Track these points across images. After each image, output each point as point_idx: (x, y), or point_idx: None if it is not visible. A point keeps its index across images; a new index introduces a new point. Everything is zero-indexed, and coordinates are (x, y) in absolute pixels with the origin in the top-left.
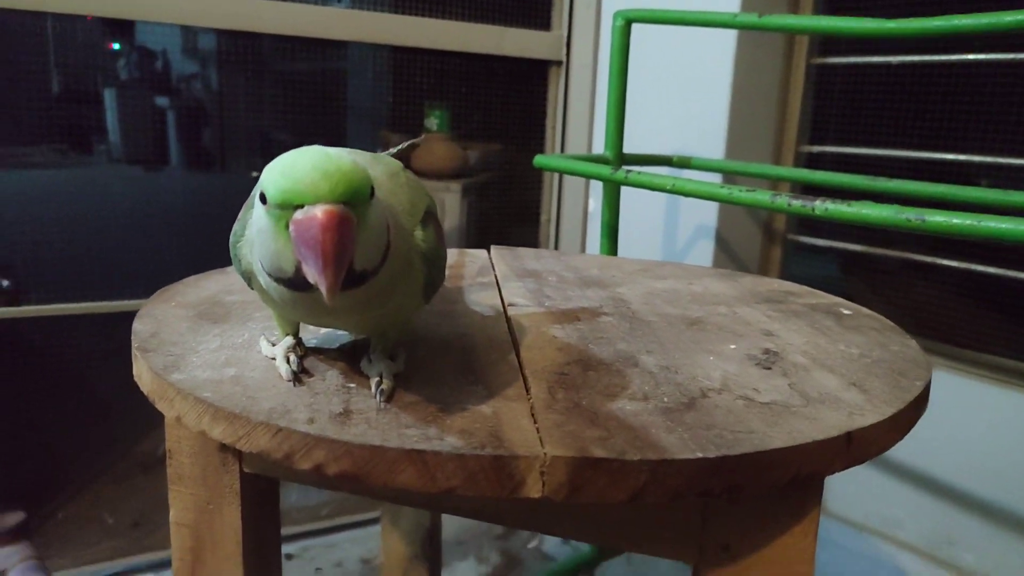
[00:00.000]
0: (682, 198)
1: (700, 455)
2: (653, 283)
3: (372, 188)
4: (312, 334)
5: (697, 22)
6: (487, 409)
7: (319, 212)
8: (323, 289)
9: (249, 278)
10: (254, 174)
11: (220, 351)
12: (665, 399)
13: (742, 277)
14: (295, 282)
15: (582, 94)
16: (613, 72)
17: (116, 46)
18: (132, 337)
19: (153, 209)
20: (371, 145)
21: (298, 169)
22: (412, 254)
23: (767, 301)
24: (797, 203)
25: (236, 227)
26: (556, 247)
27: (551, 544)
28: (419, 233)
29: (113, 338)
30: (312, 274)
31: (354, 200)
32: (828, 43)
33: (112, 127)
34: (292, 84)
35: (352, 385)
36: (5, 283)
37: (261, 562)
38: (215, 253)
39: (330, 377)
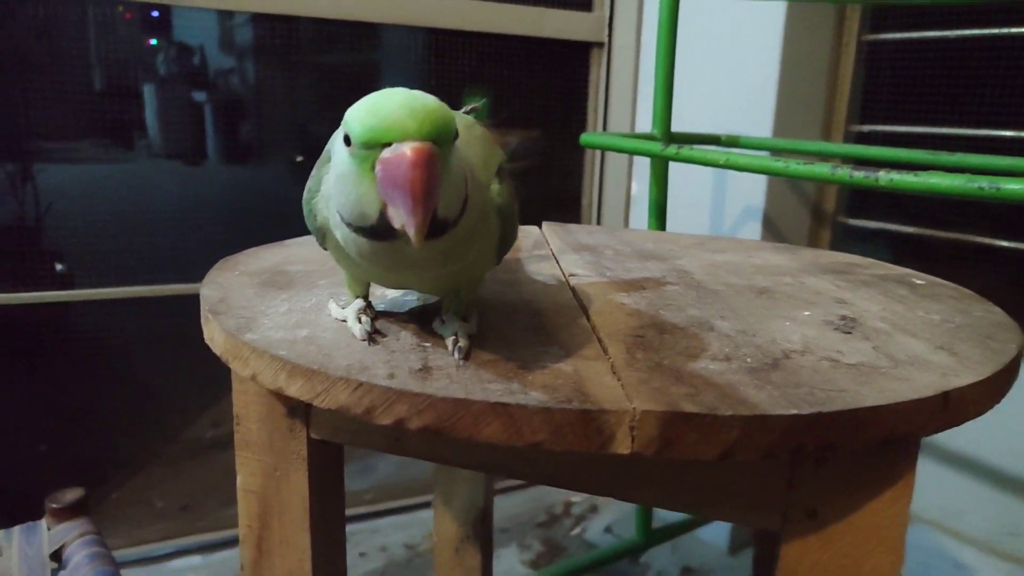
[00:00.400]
0: (729, 178)
1: (794, 411)
2: (712, 256)
3: (456, 130)
4: (379, 300)
5: None
6: (567, 367)
7: (408, 149)
8: (411, 231)
9: (323, 235)
10: (299, 159)
11: (290, 314)
12: (748, 360)
13: (801, 250)
14: (378, 230)
15: (624, 76)
16: (660, 47)
17: (154, 41)
18: (201, 302)
19: (192, 201)
20: None
21: (385, 107)
22: (488, 208)
23: (832, 272)
24: (859, 174)
25: (310, 184)
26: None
27: (594, 532)
28: (495, 187)
29: (160, 325)
30: (399, 216)
31: (440, 139)
32: (879, 18)
33: (152, 122)
34: (328, 74)
35: (427, 344)
36: (60, 267)
37: (327, 529)
38: (252, 242)
39: (404, 337)
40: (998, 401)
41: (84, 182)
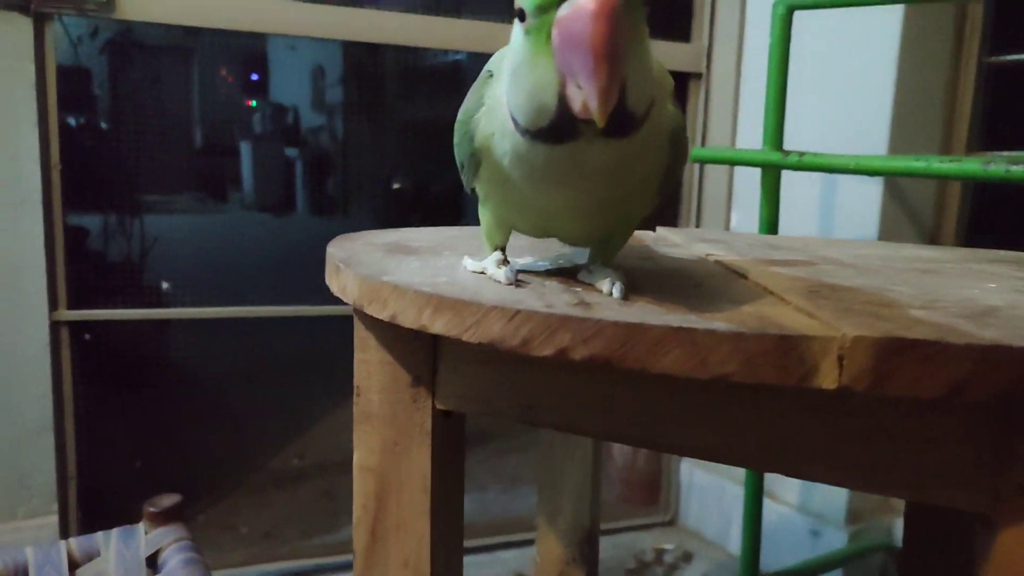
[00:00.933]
0: (838, 202)
1: None
2: (854, 249)
3: (647, 2)
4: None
5: (868, 1)
6: (748, 308)
7: (589, 2)
8: (593, 104)
9: (477, 163)
10: (396, 185)
11: (424, 269)
12: (952, 309)
13: (952, 248)
14: (557, 125)
15: (724, 105)
16: (772, 63)
17: (253, 103)
18: (328, 260)
19: (281, 249)
20: None
21: None
22: (660, 128)
23: (998, 261)
24: (1018, 168)
25: (467, 105)
26: None
27: None
28: (670, 107)
29: (253, 351)
30: (580, 95)
31: None
32: (1000, 39)
33: (246, 177)
34: (413, 129)
35: (577, 289)
36: (166, 285)
37: (447, 514)
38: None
39: (550, 285)
40: None
41: (185, 229)
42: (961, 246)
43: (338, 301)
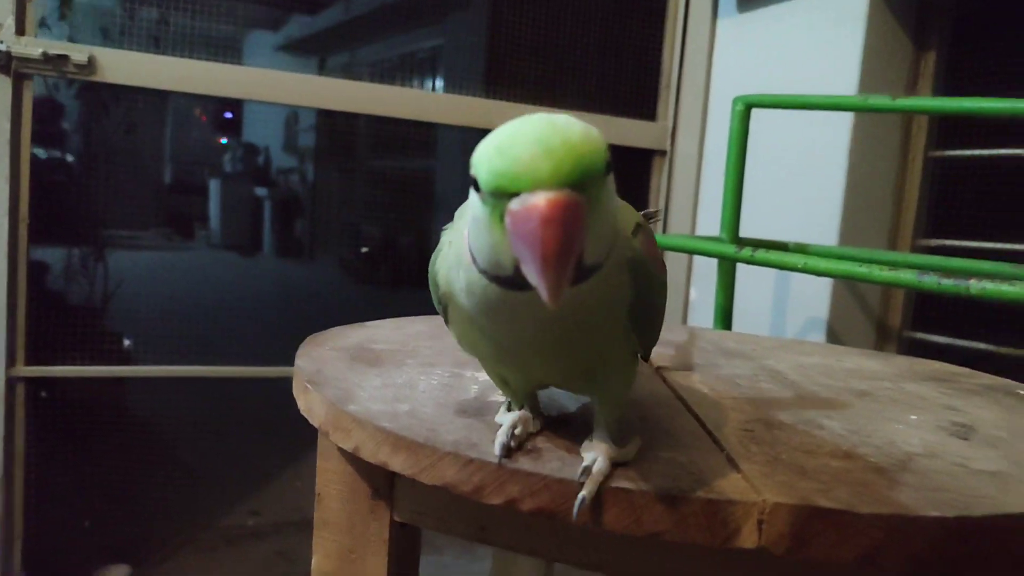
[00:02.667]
0: (792, 287)
1: (940, 514)
2: (800, 357)
3: (609, 161)
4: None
5: (821, 106)
6: (682, 458)
7: (541, 202)
8: (543, 294)
9: (445, 308)
10: (364, 249)
11: (385, 388)
12: (871, 459)
13: (893, 357)
14: (512, 279)
15: (687, 184)
16: (731, 156)
17: (224, 141)
18: (296, 374)
19: (247, 291)
20: None
21: (517, 146)
22: (621, 263)
23: (933, 379)
24: (949, 282)
25: (433, 255)
26: None
27: None
28: (632, 243)
29: (206, 408)
30: (532, 276)
31: (586, 180)
32: (945, 135)
33: (214, 215)
34: (383, 176)
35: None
36: (127, 342)
37: None
38: (301, 330)
39: (547, 456)
40: None
41: (149, 268)
42: (907, 331)
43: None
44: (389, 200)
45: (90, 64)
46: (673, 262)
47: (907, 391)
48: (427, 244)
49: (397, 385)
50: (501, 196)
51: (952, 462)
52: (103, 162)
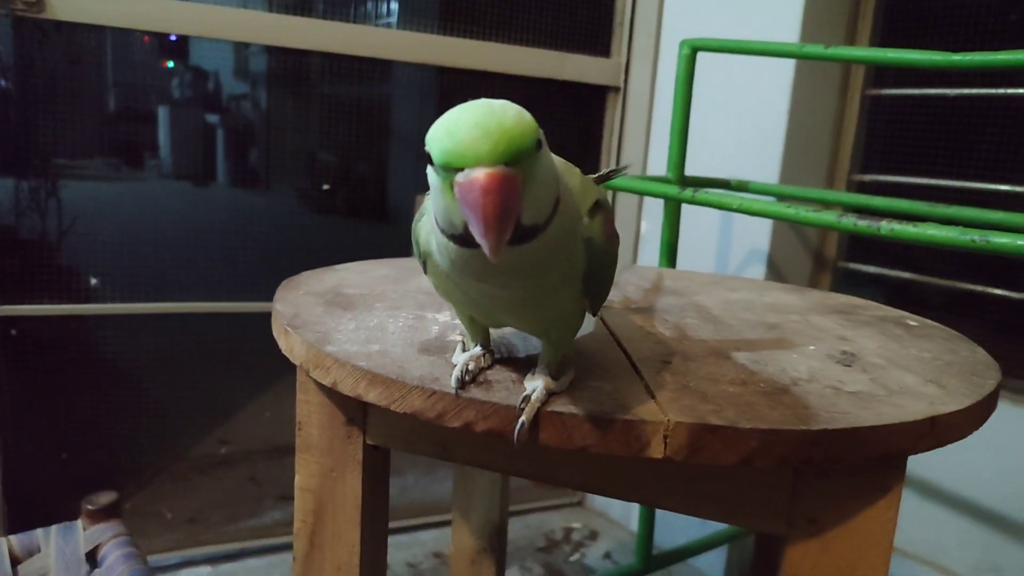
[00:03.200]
0: (735, 222)
1: (803, 427)
2: (727, 293)
3: (540, 139)
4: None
5: (762, 51)
6: (608, 387)
7: (480, 176)
8: (486, 251)
9: (424, 261)
10: (325, 186)
11: (359, 331)
12: (761, 385)
13: (809, 292)
14: (466, 239)
15: (639, 119)
16: (677, 98)
17: (171, 64)
18: (275, 317)
19: (201, 222)
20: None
21: (461, 130)
22: (577, 237)
23: (837, 312)
24: (863, 223)
25: (416, 216)
26: None
27: (593, 558)
28: (586, 220)
29: (173, 342)
30: (476, 236)
31: (519, 157)
32: (883, 74)
33: (164, 143)
34: (339, 106)
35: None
36: (94, 281)
37: (374, 526)
38: (261, 264)
39: (496, 390)
40: (977, 428)
41: (100, 199)
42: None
43: (261, 298)
44: (346, 128)
45: (38, 2)
46: (625, 197)
47: (812, 323)
48: (384, 172)
49: (369, 328)
50: (450, 170)
51: (827, 385)
52: (43, 89)
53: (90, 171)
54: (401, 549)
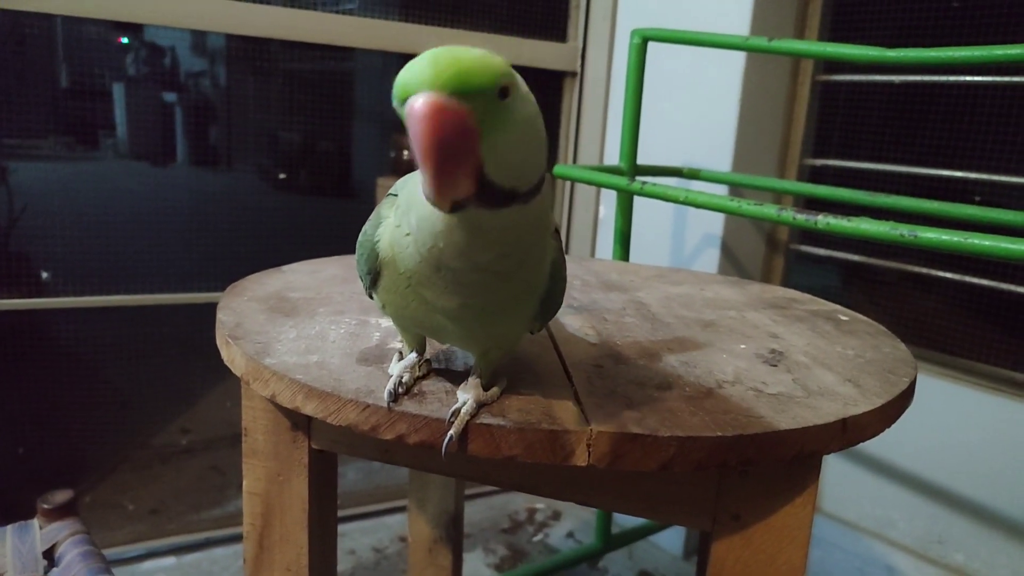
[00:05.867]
0: (690, 209)
1: (719, 434)
2: (669, 288)
3: (508, 85)
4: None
5: (710, 43)
6: (538, 393)
7: (419, 100)
8: (427, 189)
9: (376, 275)
10: (281, 176)
11: (299, 340)
12: (687, 389)
13: (750, 285)
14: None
15: (595, 105)
16: (629, 87)
17: (125, 40)
18: (218, 327)
19: (159, 205)
20: (384, 149)
21: (416, 63)
22: (546, 252)
23: (772, 307)
24: (801, 217)
25: (367, 227)
26: (567, 252)
27: (555, 538)
28: (551, 241)
29: (131, 333)
30: (423, 176)
31: (466, 89)
32: (833, 61)
33: (120, 122)
34: (301, 84)
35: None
36: (45, 275)
37: (322, 528)
38: (222, 247)
39: (429, 402)
40: (889, 426)
41: (53, 181)
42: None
43: (222, 285)
44: (308, 105)
45: None
46: (582, 184)
47: (747, 320)
48: (347, 150)
49: (310, 337)
50: (402, 105)
51: (749, 387)
52: None
53: (42, 151)
54: (367, 534)
